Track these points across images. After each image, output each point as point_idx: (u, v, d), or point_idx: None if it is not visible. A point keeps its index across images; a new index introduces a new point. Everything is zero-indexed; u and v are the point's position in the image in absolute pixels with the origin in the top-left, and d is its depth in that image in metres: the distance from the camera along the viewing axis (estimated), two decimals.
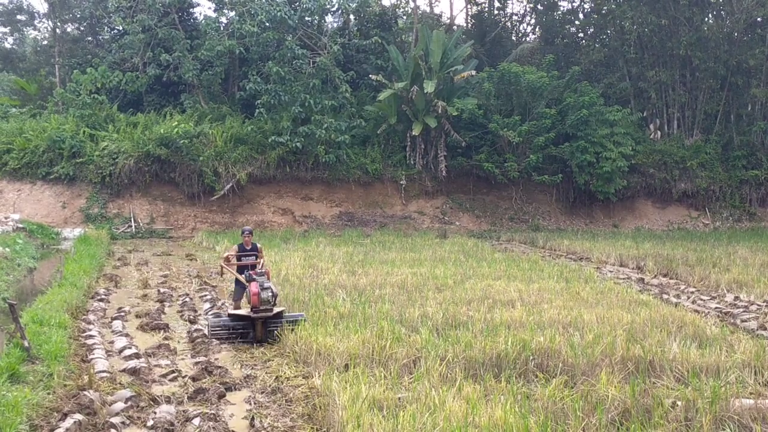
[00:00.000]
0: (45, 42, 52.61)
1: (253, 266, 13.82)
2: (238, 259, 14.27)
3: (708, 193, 43.16)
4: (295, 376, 10.30)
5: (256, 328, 12.57)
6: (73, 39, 48.45)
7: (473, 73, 40.58)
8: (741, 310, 15.32)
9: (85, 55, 44.67)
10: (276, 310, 12.61)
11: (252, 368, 11.01)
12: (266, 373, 10.68)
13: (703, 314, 14.39)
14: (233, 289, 14.73)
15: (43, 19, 53.32)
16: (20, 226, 28.51)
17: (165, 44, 39.72)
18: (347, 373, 9.21)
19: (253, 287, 12.46)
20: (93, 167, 35.87)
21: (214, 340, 12.69)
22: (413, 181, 40.75)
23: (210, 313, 14.76)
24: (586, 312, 13.08)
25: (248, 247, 14.45)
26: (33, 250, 23.71)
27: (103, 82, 38.75)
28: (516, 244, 31.78)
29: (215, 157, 36.65)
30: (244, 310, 12.88)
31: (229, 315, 13.02)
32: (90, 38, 49.02)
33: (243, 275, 13.47)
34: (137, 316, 15.08)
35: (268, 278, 12.92)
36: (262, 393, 9.72)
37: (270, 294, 12.43)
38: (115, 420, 8.43)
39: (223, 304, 16.25)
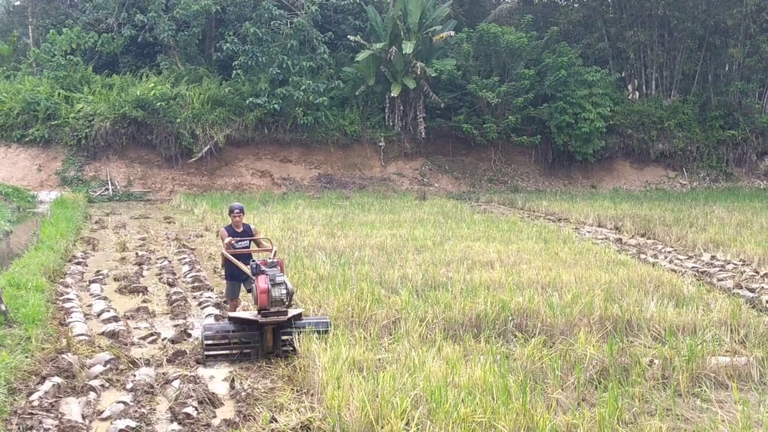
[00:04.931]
0: (18, 2, 51.69)
1: (249, 255, 10.95)
2: (231, 248, 11.00)
3: (685, 154, 43.38)
4: None
5: (265, 337, 9.52)
6: None
7: (452, 33, 40.34)
8: (717, 269, 15.46)
9: (59, 16, 43.91)
10: (292, 312, 9.55)
11: None
12: None
13: (680, 274, 14.50)
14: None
15: None
16: None
17: (140, 4, 39.11)
18: (327, 335, 9.21)
19: (261, 282, 9.32)
20: (68, 129, 35.50)
21: (209, 359, 9.53)
22: (392, 143, 40.64)
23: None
24: (564, 272, 13.14)
25: (239, 230, 11.28)
26: (9, 213, 23.56)
27: (78, 43, 38.24)
28: (495, 206, 31.87)
29: (192, 119, 36.33)
30: (249, 313, 9.83)
31: (230, 319, 9.87)
32: None
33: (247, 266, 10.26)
34: (115, 279, 15.02)
35: (282, 270, 9.75)
36: None
37: (284, 291, 9.36)
38: (94, 383, 8.42)
39: (201, 268, 16.21)
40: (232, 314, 10.06)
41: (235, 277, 11.00)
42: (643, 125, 42.71)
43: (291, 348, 9.51)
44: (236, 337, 9.54)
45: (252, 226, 11.59)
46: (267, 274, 9.42)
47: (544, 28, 43.30)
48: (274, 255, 10.39)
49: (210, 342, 9.47)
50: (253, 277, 9.65)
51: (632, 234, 21.56)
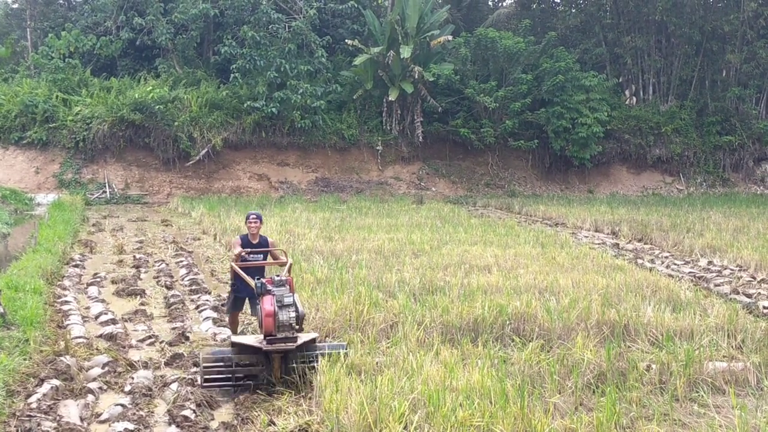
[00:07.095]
0: (16, 5, 51.67)
1: (262, 271, 9.97)
2: (242, 260, 9.85)
3: (682, 159, 43.44)
4: None
5: (272, 366, 8.33)
6: (45, 2, 47.61)
7: (450, 38, 40.40)
8: (714, 274, 15.47)
9: (57, 19, 43.93)
10: (303, 338, 8.36)
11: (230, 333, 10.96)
12: None
13: (677, 279, 14.52)
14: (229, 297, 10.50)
15: None
16: None
17: (138, 7, 39.12)
18: (325, 339, 9.21)
19: (267, 304, 8.20)
20: (66, 132, 35.48)
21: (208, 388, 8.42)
22: (389, 147, 40.66)
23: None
24: (561, 277, 13.16)
25: (255, 241, 10.12)
26: (6, 215, 23.52)
27: (77, 46, 38.23)
28: (492, 210, 31.88)
29: (190, 123, 36.32)
30: (254, 338, 8.68)
31: (233, 345, 8.63)
32: (62, 1, 48.21)
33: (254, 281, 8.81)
34: (113, 282, 15.00)
35: (291, 290, 8.59)
36: None
37: (293, 314, 8.21)
38: (93, 385, 8.41)
39: (199, 271, 16.20)
40: (235, 339, 8.86)
41: (240, 291, 9.85)
42: (640, 130, 42.77)
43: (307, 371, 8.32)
44: (240, 371, 8.42)
45: (270, 240, 10.41)
46: (273, 295, 8.26)
47: (541, 33, 43.31)
48: (289, 269, 9.42)
49: (208, 369, 8.38)
50: (258, 298, 8.55)
51: (629, 239, 21.58)
